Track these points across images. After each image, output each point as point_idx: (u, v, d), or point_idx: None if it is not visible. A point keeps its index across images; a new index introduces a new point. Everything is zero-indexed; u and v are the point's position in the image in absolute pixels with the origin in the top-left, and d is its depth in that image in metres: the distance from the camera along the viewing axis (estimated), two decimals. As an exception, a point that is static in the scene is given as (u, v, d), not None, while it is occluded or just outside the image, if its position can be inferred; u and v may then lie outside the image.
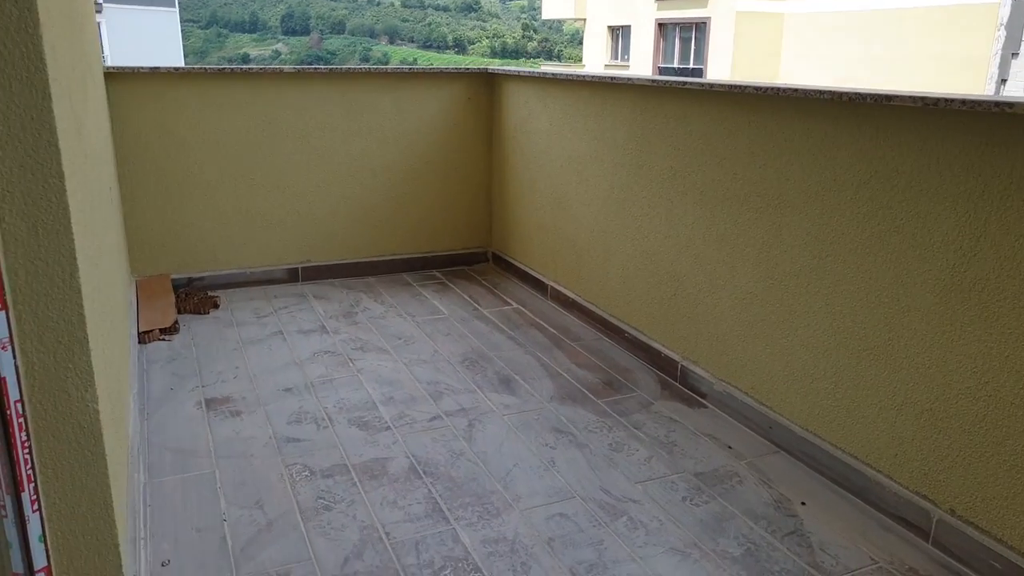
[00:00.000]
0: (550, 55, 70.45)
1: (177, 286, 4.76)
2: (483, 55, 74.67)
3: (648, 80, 3.62)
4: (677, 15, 24.23)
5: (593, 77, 4.14)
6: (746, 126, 3.12)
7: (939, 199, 2.40)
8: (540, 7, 35.07)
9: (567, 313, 4.59)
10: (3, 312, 1.53)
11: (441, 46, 77.83)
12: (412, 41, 78.45)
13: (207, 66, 4.75)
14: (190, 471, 2.86)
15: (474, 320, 4.46)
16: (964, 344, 2.36)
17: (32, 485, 1.62)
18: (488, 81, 5.30)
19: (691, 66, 24.04)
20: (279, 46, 73.18)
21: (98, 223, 2.43)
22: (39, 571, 1.65)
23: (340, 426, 3.21)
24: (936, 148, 2.39)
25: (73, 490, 1.71)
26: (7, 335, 1.54)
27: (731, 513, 2.67)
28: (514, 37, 78.07)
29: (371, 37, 77.27)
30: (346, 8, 78.72)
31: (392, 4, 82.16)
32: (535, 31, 77.37)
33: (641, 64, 25.65)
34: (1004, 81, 15.23)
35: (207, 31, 73.60)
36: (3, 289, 1.54)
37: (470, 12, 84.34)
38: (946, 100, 2.27)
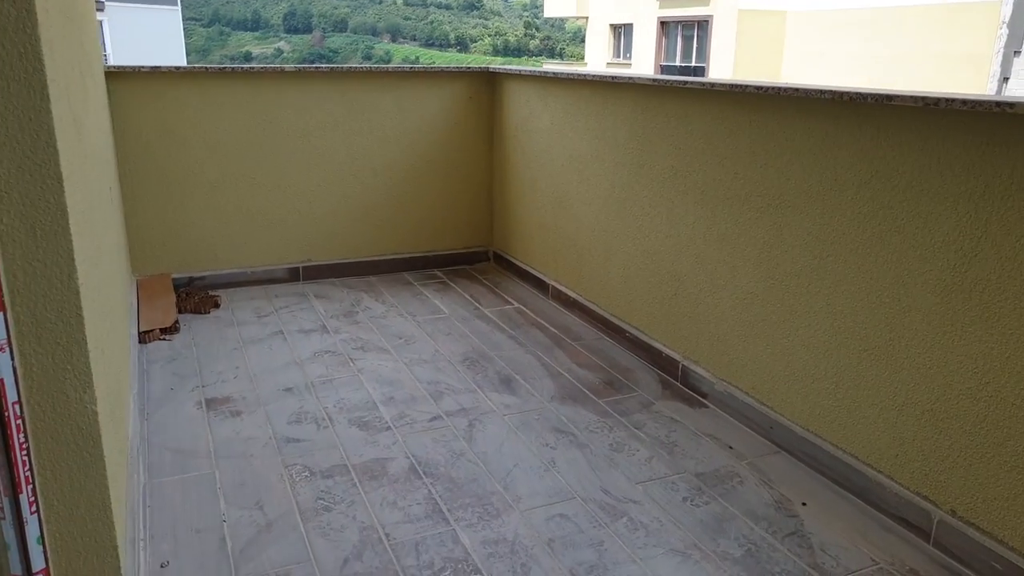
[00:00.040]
0: (552, 53, 70.40)
1: (178, 285, 4.76)
2: (485, 53, 74.65)
3: (649, 79, 3.61)
4: (679, 13, 24.19)
5: (594, 76, 4.14)
6: (747, 125, 3.11)
7: (940, 199, 2.39)
8: (542, 5, 35.04)
9: (568, 312, 4.59)
10: (1, 313, 1.53)
11: (443, 44, 77.82)
12: (414, 39, 78.45)
13: (208, 65, 4.75)
14: (190, 471, 2.86)
15: (475, 319, 4.46)
16: (965, 344, 2.36)
17: (30, 487, 1.62)
18: (489, 80, 5.30)
19: (693, 64, 24.01)
20: (281, 44, 73.21)
21: (97, 223, 2.43)
22: (37, 573, 1.65)
23: (340, 426, 3.20)
24: (937, 148, 2.38)
25: (71, 492, 1.71)
26: (5, 336, 1.54)
27: (732, 514, 2.66)
28: (516, 35, 78.06)
29: (373, 35, 77.29)
30: (348, 6, 78.71)
31: (394, 2, 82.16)
32: (537, 29, 77.34)
33: (643, 62, 25.63)
34: (1006, 79, 15.20)
35: (209, 29, 73.64)
36: (1, 291, 1.53)
37: (472, 10, 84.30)
38: (947, 100, 2.26)
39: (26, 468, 1.61)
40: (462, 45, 77.77)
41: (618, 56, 27.66)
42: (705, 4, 23.05)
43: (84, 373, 1.68)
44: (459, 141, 5.30)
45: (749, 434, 3.21)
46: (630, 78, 3.77)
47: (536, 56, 70.38)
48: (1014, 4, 15.21)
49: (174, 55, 27.79)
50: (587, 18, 29.31)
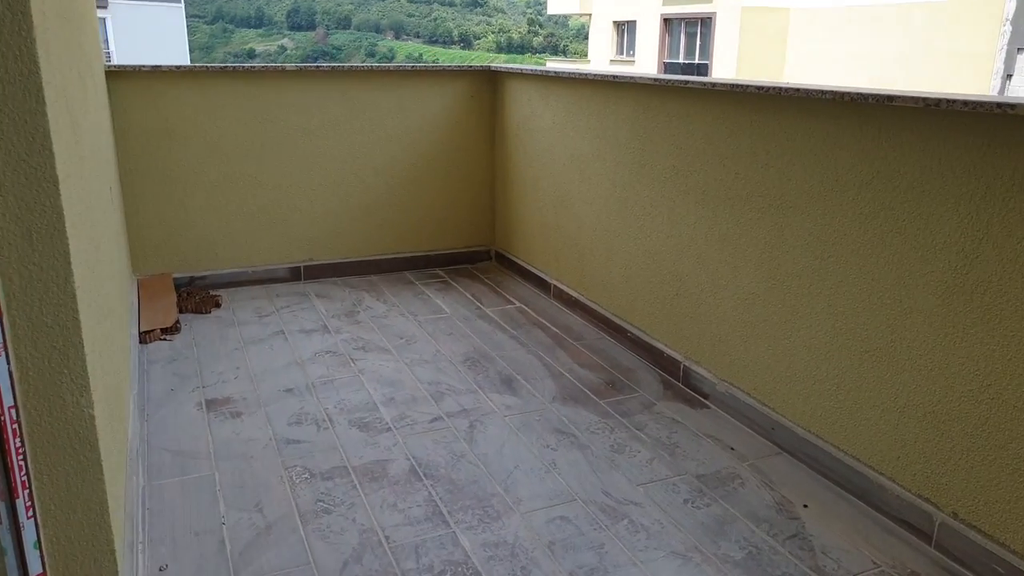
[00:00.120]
0: (556, 50, 70.35)
1: (179, 285, 4.75)
2: (489, 50, 74.60)
3: (650, 79, 3.60)
4: (682, 10, 24.15)
5: (595, 75, 4.12)
6: (748, 126, 3.10)
7: (941, 200, 2.38)
8: (546, 2, 35.01)
9: (570, 312, 4.58)
10: (-4, 318, 1.52)
11: (447, 41, 77.78)
12: (418, 36, 78.43)
13: (209, 64, 4.74)
14: (189, 473, 2.85)
15: (477, 319, 4.45)
16: (967, 346, 2.34)
17: (27, 491, 1.61)
18: (491, 79, 5.29)
19: (696, 61, 23.97)
20: (285, 41, 73.21)
21: (96, 224, 2.42)
22: (34, 578, 1.65)
23: (340, 427, 3.20)
24: (938, 149, 2.37)
25: (68, 496, 1.70)
26: (1, 341, 1.53)
27: (733, 516, 2.65)
28: (520, 32, 77.99)
29: (377, 32, 77.27)
30: (352, 3, 78.70)
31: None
32: (541, 26, 77.26)
33: (646, 59, 25.59)
34: (1010, 76, 15.15)
35: (213, 26, 73.64)
36: (-4, 295, 1.53)
37: (476, 7, 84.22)
38: (948, 101, 2.25)
39: (23, 473, 1.60)
40: (465, 42, 77.72)
41: (621, 53, 27.62)
42: (708, 1, 23.01)
43: (81, 377, 1.68)
44: (461, 140, 5.29)
45: (750, 435, 3.20)
46: (631, 77, 3.76)
47: (540, 53, 70.34)
48: (1018, 1, 15.16)
49: (177, 52, 27.80)
50: (590, 15, 29.27)
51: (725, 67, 22.25)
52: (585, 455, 3.02)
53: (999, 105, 2.12)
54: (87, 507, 1.73)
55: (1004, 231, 2.21)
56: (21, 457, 1.60)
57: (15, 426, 1.57)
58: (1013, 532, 2.27)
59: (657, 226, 3.73)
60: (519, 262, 5.21)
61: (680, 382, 3.65)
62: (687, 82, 3.36)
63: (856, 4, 19.23)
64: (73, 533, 1.73)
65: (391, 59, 70.07)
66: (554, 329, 4.33)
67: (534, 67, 5.08)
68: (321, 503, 2.68)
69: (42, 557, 1.66)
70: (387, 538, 2.50)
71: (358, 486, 2.78)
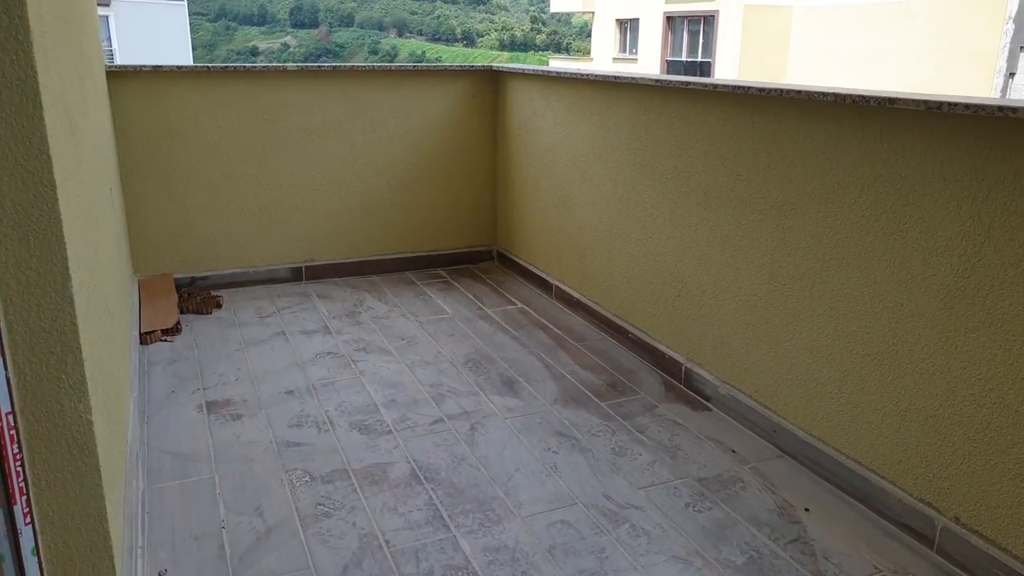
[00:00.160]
0: (559, 48, 70.30)
1: (180, 286, 4.75)
2: (492, 48, 74.55)
3: (652, 79, 3.58)
4: (685, 8, 24.11)
5: (597, 76, 4.11)
6: (750, 127, 3.09)
7: (943, 203, 2.36)
8: (548, 0, 34.96)
9: (572, 313, 4.57)
10: (-7, 325, 1.52)
11: (450, 39, 77.74)
12: (421, 34, 78.39)
13: (210, 64, 4.73)
14: (189, 476, 2.85)
15: (478, 320, 4.44)
16: (969, 350, 2.33)
17: (24, 498, 1.61)
18: (492, 79, 5.28)
19: (699, 60, 23.92)
20: (288, 39, 73.22)
21: (95, 227, 2.41)
22: (32, 584, 1.64)
23: (341, 430, 3.19)
24: (940, 152, 2.36)
25: (66, 502, 1.70)
26: (-2, 347, 1.53)
27: (734, 520, 2.64)
28: (523, 30, 77.92)
29: (380, 30, 77.24)
30: (355, 1, 78.67)
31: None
32: (544, 24, 77.18)
33: (649, 57, 25.54)
34: (1012, 75, 15.10)
35: (216, 24, 73.69)
36: (-7, 301, 1.52)
37: (479, 5, 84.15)
38: (949, 104, 2.23)
39: (20, 479, 1.60)
40: (468, 40, 77.68)
41: (624, 51, 27.58)
42: (711, -1, 22.96)
43: (79, 382, 1.67)
44: (462, 140, 5.28)
45: (752, 438, 3.19)
46: (632, 78, 3.75)
47: (543, 51, 70.28)
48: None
49: (180, 50, 27.79)
50: (593, 13, 29.24)
51: (727, 65, 22.20)
52: (586, 458, 3.01)
53: (1000, 108, 2.10)
54: (85, 513, 1.73)
55: (1006, 234, 2.19)
56: (19, 463, 1.59)
57: (13, 432, 1.57)
58: (1015, 537, 2.25)
59: (659, 227, 3.72)
60: (521, 262, 5.20)
61: (682, 384, 3.64)
62: (689, 83, 3.35)
63: (859, 2, 19.19)
64: (71, 539, 1.72)
65: (394, 57, 70.07)
66: (555, 330, 4.32)
67: (536, 67, 5.06)
68: (321, 506, 2.67)
69: (40, 564, 1.66)
70: (387, 542, 2.49)
71: (358, 489, 2.78)
